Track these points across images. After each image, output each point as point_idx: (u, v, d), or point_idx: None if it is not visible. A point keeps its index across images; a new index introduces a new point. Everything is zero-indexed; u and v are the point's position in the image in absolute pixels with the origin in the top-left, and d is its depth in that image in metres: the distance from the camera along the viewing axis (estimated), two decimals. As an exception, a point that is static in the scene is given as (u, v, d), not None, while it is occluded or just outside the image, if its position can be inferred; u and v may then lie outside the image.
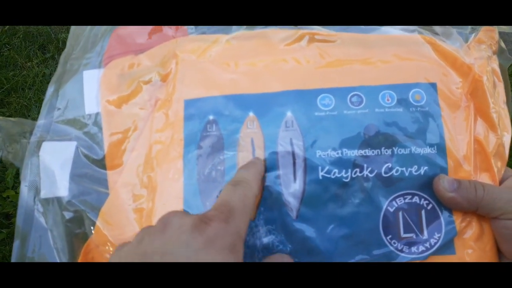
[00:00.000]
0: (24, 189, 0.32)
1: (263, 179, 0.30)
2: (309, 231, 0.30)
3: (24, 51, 1.30)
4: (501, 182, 0.32)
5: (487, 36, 0.34)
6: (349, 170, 0.31)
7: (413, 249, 0.30)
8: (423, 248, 0.30)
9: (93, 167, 0.34)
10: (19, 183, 1.07)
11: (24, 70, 1.27)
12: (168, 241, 0.23)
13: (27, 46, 1.32)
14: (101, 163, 0.34)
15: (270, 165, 0.31)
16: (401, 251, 0.30)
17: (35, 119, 0.34)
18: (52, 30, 1.36)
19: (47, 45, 1.33)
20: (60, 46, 1.32)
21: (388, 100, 0.32)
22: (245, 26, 0.36)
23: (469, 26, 0.34)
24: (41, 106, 0.34)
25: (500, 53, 0.35)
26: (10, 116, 1.12)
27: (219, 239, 0.23)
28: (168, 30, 0.36)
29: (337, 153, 0.31)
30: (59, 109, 0.34)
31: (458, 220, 0.30)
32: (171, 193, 0.31)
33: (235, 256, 0.23)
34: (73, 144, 0.34)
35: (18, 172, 1.06)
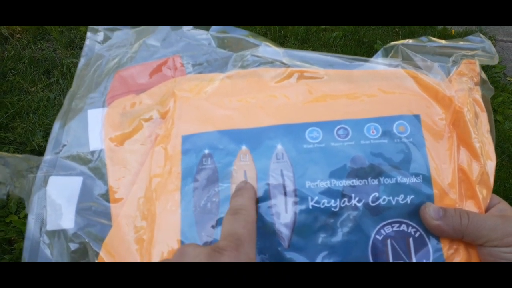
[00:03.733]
0: (31, 222, 0.34)
1: (256, 204, 0.32)
2: (300, 260, 0.31)
3: (29, 76, 1.34)
4: (487, 210, 0.33)
5: (468, 69, 0.36)
6: (338, 200, 0.32)
7: None
8: None
9: (97, 201, 0.36)
10: (22, 208, 1.08)
11: (29, 95, 1.31)
12: None
13: (32, 71, 1.35)
14: (105, 197, 0.36)
15: (262, 196, 0.33)
16: None
17: (39, 143, 0.36)
18: (56, 55, 1.40)
19: (51, 70, 1.37)
20: (65, 71, 1.35)
21: (373, 132, 0.34)
22: (239, 65, 0.39)
23: (451, 60, 0.36)
24: (45, 131, 0.37)
25: (482, 84, 0.36)
26: (14, 140, 1.13)
27: None
28: (167, 70, 0.39)
29: (326, 184, 0.32)
30: (64, 145, 0.37)
31: (445, 247, 0.31)
32: (169, 224, 0.33)
33: None
34: (79, 179, 0.36)
35: (22, 198, 1.07)
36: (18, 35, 1.47)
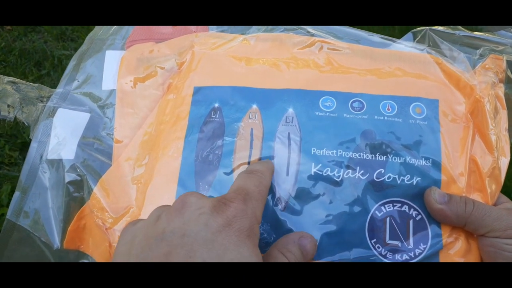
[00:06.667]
0: (33, 147, 0.34)
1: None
2: (293, 223, 0.30)
3: (19, 68, 1.28)
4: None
5: (494, 64, 0.35)
6: (342, 170, 0.31)
7: (397, 256, 0.30)
8: (407, 257, 0.30)
9: (102, 139, 0.35)
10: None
11: (20, 87, 1.25)
12: (187, 221, 0.23)
13: (23, 63, 1.30)
14: (109, 136, 0.35)
15: (265, 156, 0.32)
16: (385, 256, 0.30)
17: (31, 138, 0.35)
18: (48, 47, 1.35)
19: (42, 62, 1.31)
20: (56, 63, 1.30)
21: (388, 109, 0.33)
22: (263, 29, 0.38)
23: (478, 53, 0.35)
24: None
25: (506, 82, 0.35)
26: (5, 133, 1.10)
27: (237, 220, 0.23)
28: (190, 24, 0.39)
29: (332, 153, 0.32)
30: (78, 81, 0.37)
31: (445, 235, 0.30)
32: (168, 170, 0.33)
33: (252, 240, 0.23)
34: (87, 115, 0.36)
35: (13, 190, 0.99)
36: (9, 27, 1.40)
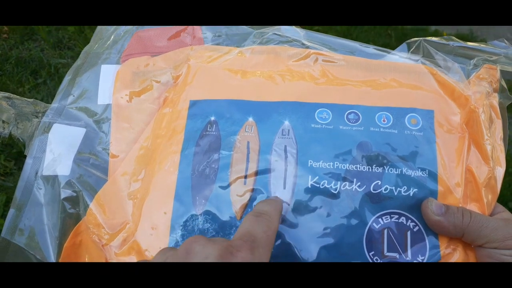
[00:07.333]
0: (28, 164, 0.34)
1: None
2: (291, 237, 0.30)
3: (16, 77, 1.26)
4: (491, 216, 0.32)
5: (488, 73, 0.35)
6: (339, 183, 0.31)
7: None
8: None
9: (97, 154, 0.35)
10: (8, 210, 1.02)
11: (16, 96, 1.23)
12: None
13: (19, 71, 1.28)
14: (105, 151, 0.35)
15: (262, 169, 0.32)
16: None
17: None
18: (44, 55, 1.34)
19: (39, 70, 1.30)
20: (52, 72, 1.29)
21: (384, 121, 0.33)
22: (258, 41, 0.38)
23: (472, 63, 0.36)
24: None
25: (500, 91, 0.35)
26: (1, 143, 1.08)
27: None
28: (185, 37, 0.39)
29: (328, 165, 0.32)
30: (73, 96, 0.37)
31: (443, 246, 0.30)
32: (164, 184, 0.32)
33: None
34: (83, 130, 0.36)
35: (8, 200, 0.98)
36: (5, 35, 1.38)
